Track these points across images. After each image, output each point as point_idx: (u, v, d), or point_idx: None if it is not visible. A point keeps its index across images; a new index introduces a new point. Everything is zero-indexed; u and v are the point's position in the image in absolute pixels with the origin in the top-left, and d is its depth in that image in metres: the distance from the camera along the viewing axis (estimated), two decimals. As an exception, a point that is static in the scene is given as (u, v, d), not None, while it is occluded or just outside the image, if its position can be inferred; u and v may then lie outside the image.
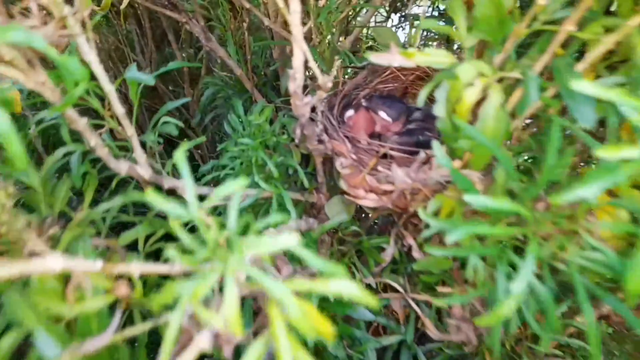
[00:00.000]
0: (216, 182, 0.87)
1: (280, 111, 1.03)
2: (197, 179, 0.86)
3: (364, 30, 1.39)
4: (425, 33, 1.28)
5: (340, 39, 1.25)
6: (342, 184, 0.74)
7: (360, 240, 0.82)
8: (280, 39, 0.99)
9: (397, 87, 0.89)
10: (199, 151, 1.83)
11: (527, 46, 0.61)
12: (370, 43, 1.21)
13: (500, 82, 0.48)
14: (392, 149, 0.71)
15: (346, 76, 0.96)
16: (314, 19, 0.93)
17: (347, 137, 0.74)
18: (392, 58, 0.52)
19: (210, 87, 1.18)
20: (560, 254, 0.47)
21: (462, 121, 0.46)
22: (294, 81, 0.61)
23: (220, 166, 0.81)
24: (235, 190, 0.30)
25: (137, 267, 0.31)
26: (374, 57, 0.53)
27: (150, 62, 2.01)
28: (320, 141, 0.76)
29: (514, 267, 0.53)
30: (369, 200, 0.73)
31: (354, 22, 1.45)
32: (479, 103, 0.48)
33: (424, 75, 0.86)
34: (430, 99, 0.99)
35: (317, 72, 0.58)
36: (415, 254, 0.83)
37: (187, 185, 0.31)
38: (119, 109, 0.48)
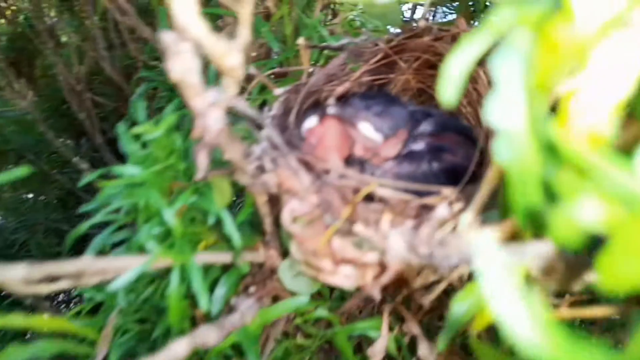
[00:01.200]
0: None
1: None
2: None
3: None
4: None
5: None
6: (295, 249, 0.42)
7: (334, 331, 0.50)
8: (225, 9, 0.67)
9: (393, 80, 0.57)
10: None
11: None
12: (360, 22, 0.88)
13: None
14: (382, 185, 0.39)
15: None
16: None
17: (305, 163, 0.43)
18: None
19: (144, 84, 0.86)
20: None
21: (589, 147, 0.14)
22: (177, 57, 0.30)
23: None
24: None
25: None
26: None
27: (113, 59, 1.70)
28: (261, 169, 0.44)
29: None
30: (340, 278, 0.41)
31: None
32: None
33: (436, 59, 0.53)
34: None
35: (207, 40, 0.27)
36: (423, 349, 0.52)
37: None
38: None
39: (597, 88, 0.15)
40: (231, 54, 0.27)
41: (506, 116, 0.17)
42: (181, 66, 0.31)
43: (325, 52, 0.58)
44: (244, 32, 0.27)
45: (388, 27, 0.59)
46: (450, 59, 0.20)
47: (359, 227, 0.36)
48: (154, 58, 1.26)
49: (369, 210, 0.40)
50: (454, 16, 0.91)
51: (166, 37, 0.29)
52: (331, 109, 0.48)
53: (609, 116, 0.15)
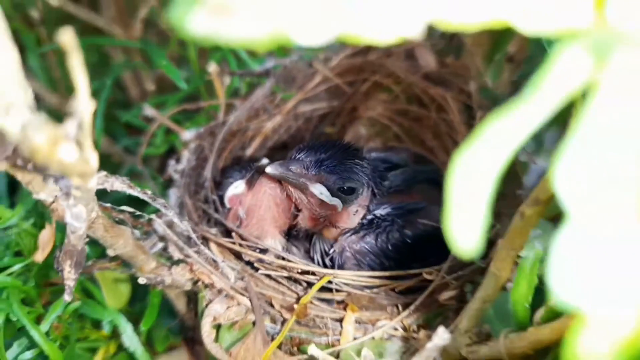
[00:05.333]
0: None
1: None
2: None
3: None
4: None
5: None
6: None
7: None
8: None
9: (336, 109, 0.46)
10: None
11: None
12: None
13: None
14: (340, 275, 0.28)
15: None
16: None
17: (229, 248, 0.31)
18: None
19: None
20: None
21: None
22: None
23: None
24: None
25: None
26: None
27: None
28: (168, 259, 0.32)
29: None
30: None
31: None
32: None
33: (388, 82, 0.43)
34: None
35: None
36: None
37: None
38: None
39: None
40: (62, 144, 0.15)
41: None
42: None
43: (248, 79, 0.46)
44: (81, 102, 0.15)
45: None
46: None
47: (314, 350, 0.25)
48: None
49: (323, 308, 0.29)
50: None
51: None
52: (269, 169, 0.35)
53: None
